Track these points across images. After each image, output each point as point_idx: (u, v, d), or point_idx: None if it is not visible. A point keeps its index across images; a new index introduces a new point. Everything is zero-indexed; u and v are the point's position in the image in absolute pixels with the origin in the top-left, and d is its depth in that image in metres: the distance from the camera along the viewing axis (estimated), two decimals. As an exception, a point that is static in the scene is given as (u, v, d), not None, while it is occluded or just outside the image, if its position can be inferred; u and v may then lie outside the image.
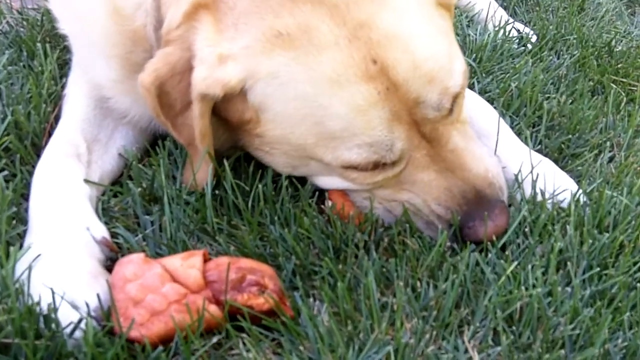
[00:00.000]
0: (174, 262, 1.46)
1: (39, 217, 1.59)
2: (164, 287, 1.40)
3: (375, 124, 1.55)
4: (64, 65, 2.16)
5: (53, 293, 1.36)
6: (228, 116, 1.63)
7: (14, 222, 1.61)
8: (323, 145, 1.59)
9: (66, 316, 1.36)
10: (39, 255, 1.47)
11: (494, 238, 1.65)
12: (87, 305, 1.38)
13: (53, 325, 1.33)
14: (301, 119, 1.57)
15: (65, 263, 1.48)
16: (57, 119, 1.88)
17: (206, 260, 1.49)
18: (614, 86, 2.58)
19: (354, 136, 1.56)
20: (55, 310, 1.35)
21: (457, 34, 2.83)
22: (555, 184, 1.85)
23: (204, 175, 1.69)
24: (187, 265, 1.45)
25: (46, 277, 1.42)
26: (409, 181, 1.68)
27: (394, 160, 1.62)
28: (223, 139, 1.72)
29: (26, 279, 1.41)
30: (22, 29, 2.39)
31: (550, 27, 2.96)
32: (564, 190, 1.84)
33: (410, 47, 1.55)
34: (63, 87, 1.99)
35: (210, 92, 1.54)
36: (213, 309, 1.40)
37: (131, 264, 1.42)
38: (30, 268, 1.43)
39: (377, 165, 1.63)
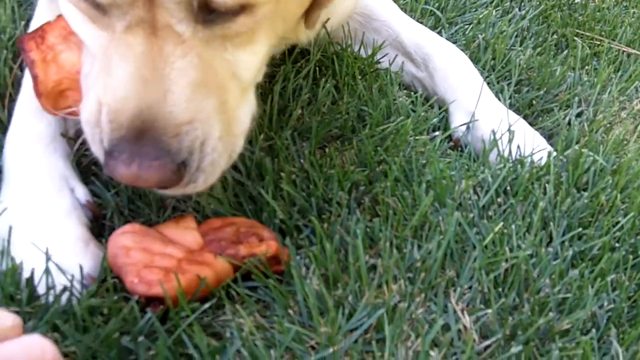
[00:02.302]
0: (169, 227, 1.42)
1: (18, 175, 1.50)
2: (167, 249, 1.36)
3: None
4: (22, 4, 2.05)
5: (47, 257, 1.31)
6: None
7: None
8: None
9: (56, 281, 1.31)
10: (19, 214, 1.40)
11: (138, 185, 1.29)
12: (82, 270, 1.34)
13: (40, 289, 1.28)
14: None
15: (54, 226, 1.41)
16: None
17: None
18: (578, 40, 2.57)
19: None
20: (48, 273, 1.29)
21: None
22: (533, 143, 1.85)
23: None
24: (182, 227, 1.42)
25: (34, 240, 1.36)
26: (104, 63, 1.28)
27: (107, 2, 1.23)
28: None
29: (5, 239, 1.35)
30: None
31: (511, -24, 2.93)
32: (542, 150, 1.83)
33: None
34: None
35: None
36: (220, 261, 1.38)
37: (128, 233, 1.36)
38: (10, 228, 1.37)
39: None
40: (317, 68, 2.02)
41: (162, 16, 1.22)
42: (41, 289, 1.31)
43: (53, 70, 1.41)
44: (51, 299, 1.30)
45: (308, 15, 1.58)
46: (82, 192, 1.52)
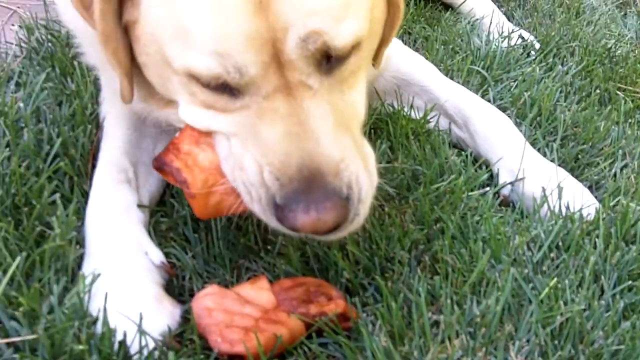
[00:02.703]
0: (245, 288, 1.54)
1: (98, 243, 1.63)
2: (245, 309, 1.47)
3: (232, 33, 1.38)
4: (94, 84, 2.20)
5: (129, 320, 1.43)
6: (125, 19, 1.56)
7: (77, 246, 1.66)
8: (177, 43, 1.45)
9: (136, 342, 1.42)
10: (103, 282, 1.52)
11: (316, 232, 1.43)
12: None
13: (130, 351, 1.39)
14: (165, 8, 1.46)
15: (130, 290, 1.53)
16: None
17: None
18: (620, 94, 2.67)
19: (208, 39, 1.40)
20: (141, 335, 1.41)
21: (461, 41, 2.92)
22: (582, 198, 1.93)
23: (125, 89, 1.62)
24: (257, 288, 1.54)
25: (113, 301, 1.47)
26: (253, 133, 1.46)
27: (239, 85, 1.44)
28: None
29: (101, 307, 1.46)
30: (50, 45, 2.42)
31: (553, 33, 3.04)
32: (590, 205, 1.92)
33: None
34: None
35: None
36: (294, 319, 1.48)
37: (209, 295, 1.49)
38: (99, 295, 1.49)
39: (220, 86, 1.45)
40: (372, 130, 2.14)
41: (294, 76, 1.43)
42: (133, 349, 1.42)
43: (197, 171, 1.54)
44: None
45: (376, 54, 1.74)
46: (155, 255, 1.64)
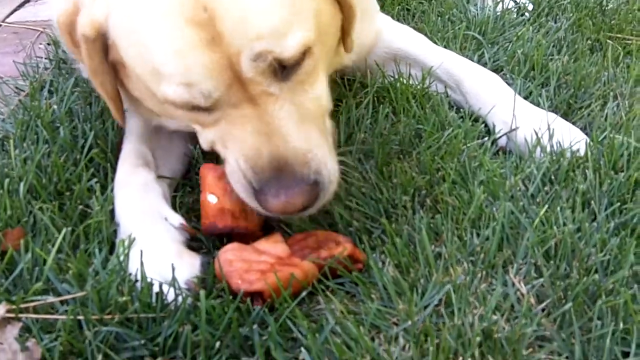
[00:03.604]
0: (261, 243, 1.74)
1: (125, 216, 1.84)
2: (262, 257, 1.67)
3: (193, 68, 1.61)
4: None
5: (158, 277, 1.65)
6: (111, 59, 1.80)
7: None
8: (154, 79, 1.68)
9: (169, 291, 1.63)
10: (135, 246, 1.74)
11: (287, 213, 1.68)
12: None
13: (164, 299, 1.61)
14: (138, 53, 1.69)
15: (154, 250, 1.73)
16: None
17: None
18: (611, 42, 2.81)
19: (174, 75, 1.62)
20: (172, 285, 1.62)
21: (458, 11, 3.08)
22: (571, 136, 2.10)
23: (117, 114, 1.92)
24: (272, 241, 1.73)
25: (146, 263, 1.66)
26: (230, 136, 1.72)
27: (208, 107, 1.67)
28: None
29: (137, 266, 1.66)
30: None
31: (545, -6, 3.19)
32: (579, 141, 2.08)
33: (244, 2, 1.61)
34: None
35: (87, 32, 1.73)
36: (307, 262, 1.67)
37: (229, 250, 1.69)
38: (134, 257, 1.70)
39: (194, 108, 1.68)
40: (376, 98, 2.33)
41: (255, 89, 1.66)
42: (170, 297, 1.62)
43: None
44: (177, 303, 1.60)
45: (344, 43, 1.99)
46: (174, 218, 1.85)
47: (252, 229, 1.80)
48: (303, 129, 1.70)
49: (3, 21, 3.34)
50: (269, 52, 1.62)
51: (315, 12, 1.75)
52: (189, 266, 1.70)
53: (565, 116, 2.29)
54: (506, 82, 2.37)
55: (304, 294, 1.62)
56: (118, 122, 1.95)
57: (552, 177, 1.97)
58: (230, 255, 1.67)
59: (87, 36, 1.74)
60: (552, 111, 2.27)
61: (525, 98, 2.34)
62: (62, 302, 1.59)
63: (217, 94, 1.64)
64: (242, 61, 1.61)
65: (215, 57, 1.60)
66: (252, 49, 1.60)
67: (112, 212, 1.89)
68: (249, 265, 1.64)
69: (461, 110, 2.35)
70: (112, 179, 1.98)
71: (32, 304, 1.58)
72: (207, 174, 1.82)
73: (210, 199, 1.79)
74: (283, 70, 1.67)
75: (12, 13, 3.47)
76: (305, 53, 1.70)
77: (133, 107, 2.04)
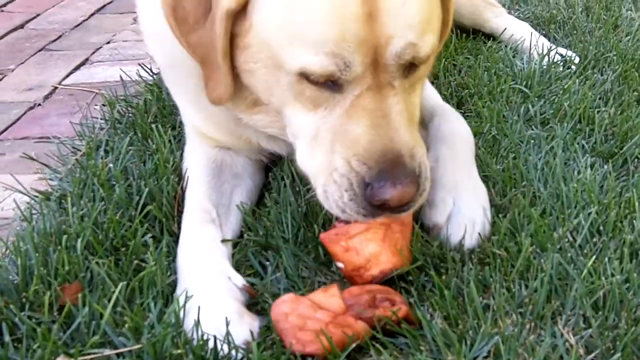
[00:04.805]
0: (317, 295, 1.75)
1: (189, 272, 1.88)
2: (317, 314, 1.69)
3: (348, 38, 1.65)
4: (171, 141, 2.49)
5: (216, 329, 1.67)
6: (234, 31, 1.81)
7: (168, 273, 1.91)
8: (295, 47, 1.71)
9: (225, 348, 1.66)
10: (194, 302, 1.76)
11: (401, 204, 1.72)
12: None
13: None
14: (281, 17, 1.72)
15: (216, 307, 1.75)
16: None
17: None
18: (657, 93, 2.83)
19: (325, 43, 1.66)
20: (228, 343, 1.65)
21: (504, 65, 3.12)
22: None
23: (225, 89, 1.88)
24: (329, 295, 1.75)
25: (204, 319, 1.70)
26: (341, 132, 1.75)
27: (344, 81, 1.71)
28: None
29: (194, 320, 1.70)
30: (130, 115, 2.75)
31: (590, 47, 3.22)
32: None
33: None
34: (180, 158, 2.34)
35: (232, 5, 1.75)
36: (360, 323, 1.68)
37: (285, 302, 1.71)
38: (192, 312, 1.73)
39: (325, 84, 1.72)
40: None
41: (384, 77, 1.74)
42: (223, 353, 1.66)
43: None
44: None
45: None
46: (237, 279, 1.88)
47: (390, 268, 1.84)
48: (410, 128, 1.79)
49: (59, 84, 3.46)
50: (413, 45, 1.71)
51: (439, 24, 1.86)
52: (248, 326, 1.72)
53: (613, 166, 2.30)
54: (554, 134, 2.41)
55: (354, 345, 1.64)
56: (220, 98, 1.92)
57: (600, 228, 1.98)
58: (286, 308, 1.70)
59: (233, 9, 1.76)
60: (600, 162, 2.29)
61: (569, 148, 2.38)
62: (118, 355, 1.63)
63: (359, 69, 1.69)
64: (391, 45, 1.69)
65: (368, 33, 1.66)
66: (404, 37, 1.69)
67: (172, 264, 1.95)
68: (303, 322, 1.66)
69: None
70: (168, 232, 2.05)
71: (89, 357, 1.63)
72: (324, 242, 1.87)
73: (339, 265, 1.85)
74: (410, 68, 1.77)
75: (68, 76, 3.59)
76: (428, 57, 1.79)
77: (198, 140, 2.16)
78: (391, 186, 1.69)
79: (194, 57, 1.90)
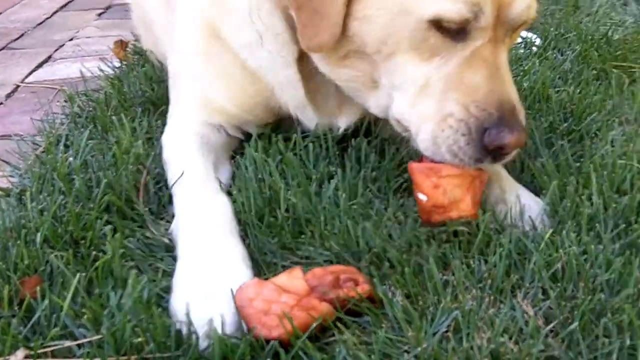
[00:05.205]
0: (281, 278, 1.75)
1: (209, 242, 1.87)
2: (281, 297, 1.68)
3: None
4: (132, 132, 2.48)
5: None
6: None
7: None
8: None
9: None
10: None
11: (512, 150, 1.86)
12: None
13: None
14: None
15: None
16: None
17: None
18: (615, 71, 2.85)
19: None
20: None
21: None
22: None
23: (331, 36, 1.91)
24: (292, 277, 1.74)
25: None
26: (458, 80, 1.85)
27: (472, 29, 1.82)
28: None
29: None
30: (90, 109, 2.75)
31: (551, 29, 3.24)
32: None
33: None
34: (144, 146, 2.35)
35: None
36: (325, 305, 1.68)
37: (249, 287, 1.70)
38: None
39: (459, 30, 1.82)
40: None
41: (501, 33, 1.87)
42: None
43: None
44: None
45: None
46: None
47: (466, 216, 1.90)
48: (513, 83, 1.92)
49: (22, 82, 3.44)
50: (530, 7, 1.89)
51: None
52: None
53: (569, 143, 2.32)
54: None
55: (314, 324, 1.64)
56: (326, 42, 1.93)
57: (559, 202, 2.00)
58: (251, 293, 1.69)
59: None
60: (557, 139, 2.30)
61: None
62: (79, 346, 1.62)
63: (490, 20, 1.81)
64: (516, 3, 1.84)
65: None
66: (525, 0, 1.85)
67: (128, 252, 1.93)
68: (268, 306, 1.66)
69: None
70: (131, 220, 2.05)
71: (49, 349, 1.62)
72: (414, 173, 1.91)
73: (421, 197, 1.88)
74: (516, 29, 1.92)
75: (30, 74, 3.58)
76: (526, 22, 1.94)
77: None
78: (509, 132, 1.79)
79: (291, 3, 1.93)
